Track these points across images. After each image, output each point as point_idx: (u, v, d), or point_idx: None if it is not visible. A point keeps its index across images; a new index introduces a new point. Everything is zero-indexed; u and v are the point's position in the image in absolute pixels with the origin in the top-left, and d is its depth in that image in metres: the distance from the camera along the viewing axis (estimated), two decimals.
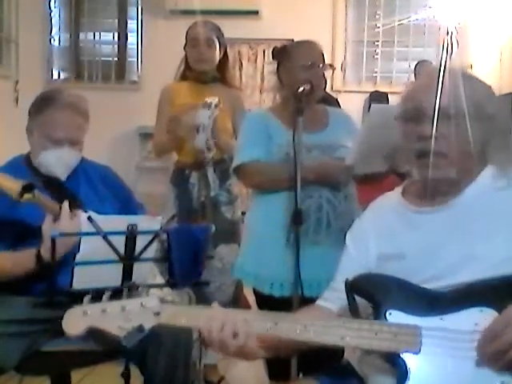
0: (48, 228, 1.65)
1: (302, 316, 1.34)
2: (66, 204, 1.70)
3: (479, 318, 1.15)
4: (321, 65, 2.16)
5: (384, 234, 1.36)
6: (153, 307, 1.20)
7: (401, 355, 1.14)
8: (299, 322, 1.18)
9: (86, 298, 1.22)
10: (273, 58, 2.27)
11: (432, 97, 1.28)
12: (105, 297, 1.22)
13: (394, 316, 1.19)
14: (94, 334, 1.19)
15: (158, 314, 1.20)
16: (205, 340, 1.17)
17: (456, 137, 1.25)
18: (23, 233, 1.69)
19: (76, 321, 1.18)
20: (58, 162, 1.86)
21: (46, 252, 1.64)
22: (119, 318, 1.18)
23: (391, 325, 1.17)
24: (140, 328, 1.17)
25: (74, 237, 1.64)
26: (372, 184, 2.11)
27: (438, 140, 1.26)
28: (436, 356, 1.13)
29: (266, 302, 2.13)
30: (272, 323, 1.17)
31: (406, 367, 1.14)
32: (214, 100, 2.57)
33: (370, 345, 1.16)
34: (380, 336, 1.15)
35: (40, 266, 1.66)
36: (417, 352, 1.14)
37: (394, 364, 1.17)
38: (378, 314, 1.21)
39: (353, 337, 1.15)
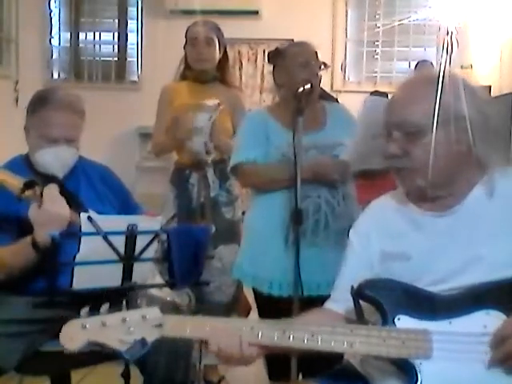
0: (35, 213, 1.66)
1: (308, 320, 1.32)
2: (51, 187, 1.70)
3: (487, 320, 1.16)
4: (314, 62, 2.17)
5: (387, 232, 1.35)
6: (154, 319, 1.16)
7: (409, 360, 1.14)
8: (307, 329, 1.16)
9: (84, 310, 1.16)
10: (268, 61, 2.27)
11: (394, 113, 1.29)
12: (103, 308, 1.16)
13: (403, 321, 1.18)
14: (94, 346, 1.15)
15: (160, 325, 1.17)
16: (210, 351, 1.16)
17: (424, 151, 1.24)
18: (25, 229, 1.69)
19: (74, 335, 1.13)
20: (54, 160, 1.86)
21: (38, 237, 1.66)
22: (120, 331, 1.14)
23: (400, 331, 1.17)
24: (143, 341, 1.13)
25: (63, 215, 1.66)
26: (373, 181, 2.09)
27: (403, 158, 1.27)
28: (445, 360, 1.13)
29: (266, 302, 2.13)
30: (280, 332, 1.16)
31: (416, 372, 1.13)
32: (213, 102, 2.56)
33: (379, 351, 1.15)
34: (389, 342, 1.14)
35: (37, 251, 1.66)
36: (428, 357, 1.13)
37: (404, 369, 1.16)
38: (386, 319, 1.19)
39: (361, 344, 1.14)
